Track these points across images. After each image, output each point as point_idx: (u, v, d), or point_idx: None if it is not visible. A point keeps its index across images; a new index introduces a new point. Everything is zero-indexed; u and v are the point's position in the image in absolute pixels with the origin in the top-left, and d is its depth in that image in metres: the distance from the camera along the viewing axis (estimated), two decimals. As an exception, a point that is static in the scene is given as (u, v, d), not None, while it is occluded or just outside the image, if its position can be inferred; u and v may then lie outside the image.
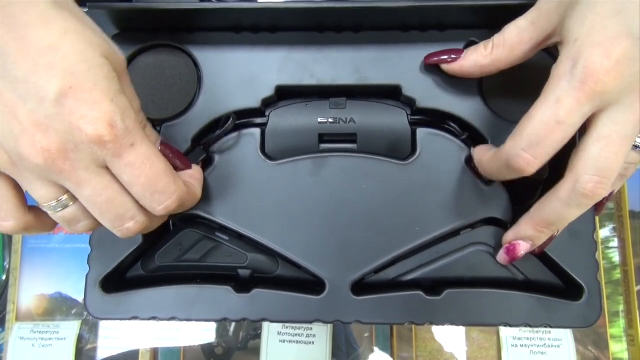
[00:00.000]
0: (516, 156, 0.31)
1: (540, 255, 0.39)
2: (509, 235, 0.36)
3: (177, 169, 0.35)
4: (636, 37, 0.27)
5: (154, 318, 0.38)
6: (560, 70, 0.29)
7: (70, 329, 0.61)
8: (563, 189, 0.31)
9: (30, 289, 0.62)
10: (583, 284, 0.38)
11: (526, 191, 0.41)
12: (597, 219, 0.62)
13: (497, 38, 0.35)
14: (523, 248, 0.36)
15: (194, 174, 0.36)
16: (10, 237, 0.63)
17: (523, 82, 0.40)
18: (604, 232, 0.62)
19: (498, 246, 0.39)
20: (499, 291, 0.38)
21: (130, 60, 0.41)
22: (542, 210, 0.34)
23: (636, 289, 0.60)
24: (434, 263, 0.39)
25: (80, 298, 0.62)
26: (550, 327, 0.37)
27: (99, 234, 0.40)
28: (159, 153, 0.31)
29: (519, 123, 0.32)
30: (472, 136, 0.41)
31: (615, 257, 0.62)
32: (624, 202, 0.62)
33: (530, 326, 0.37)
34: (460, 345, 0.60)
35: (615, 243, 0.62)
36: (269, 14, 0.40)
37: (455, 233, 0.40)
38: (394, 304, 0.38)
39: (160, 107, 0.41)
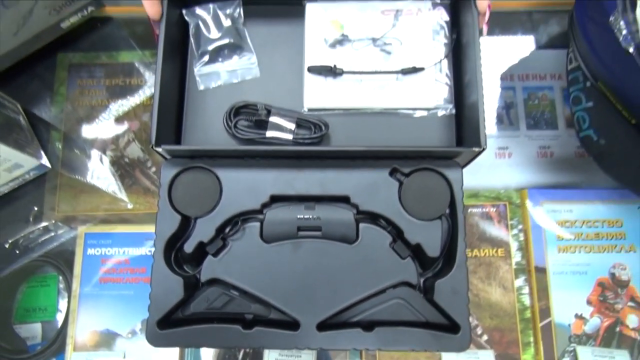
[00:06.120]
0: None
1: (434, 305, 0.56)
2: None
3: None
4: None
5: (189, 345, 0.57)
6: None
7: (116, 357, 0.73)
8: None
9: (85, 326, 0.74)
10: (459, 324, 0.55)
11: (428, 264, 0.59)
12: (513, 272, 0.72)
13: None
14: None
15: None
16: (69, 286, 0.77)
17: (425, 195, 0.58)
18: (518, 282, 0.74)
19: (411, 300, 0.57)
20: (409, 329, 0.55)
21: (176, 176, 0.60)
22: None
23: (539, 324, 0.71)
24: (369, 310, 0.57)
25: (123, 333, 0.75)
26: (439, 351, 0.55)
27: (155, 292, 0.57)
28: None
29: None
30: (394, 228, 0.59)
31: (527, 301, 0.73)
32: (531, 260, 0.74)
33: (427, 350, 0.55)
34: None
35: (526, 290, 0.73)
36: (267, 152, 0.59)
37: (383, 291, 0.57)
38: (344, 337, 0.56)
39: (195, 207, 0.59)
